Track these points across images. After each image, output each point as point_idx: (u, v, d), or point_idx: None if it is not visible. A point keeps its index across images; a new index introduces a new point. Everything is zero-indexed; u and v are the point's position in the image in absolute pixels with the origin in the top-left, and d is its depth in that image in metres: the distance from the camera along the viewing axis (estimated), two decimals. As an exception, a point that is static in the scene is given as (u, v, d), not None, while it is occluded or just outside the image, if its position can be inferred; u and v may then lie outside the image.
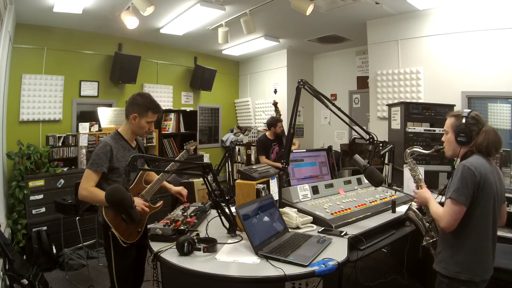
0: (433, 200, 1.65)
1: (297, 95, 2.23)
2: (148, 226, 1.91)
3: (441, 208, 1.56)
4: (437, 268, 1.59)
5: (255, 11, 3.99)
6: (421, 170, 2.74)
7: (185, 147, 2.35)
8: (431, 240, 1.77)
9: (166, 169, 2.11)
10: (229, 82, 7.05)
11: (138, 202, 1.93)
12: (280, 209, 2.05)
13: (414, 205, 1.93)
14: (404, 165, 1.93)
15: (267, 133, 4.34)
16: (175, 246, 1.62)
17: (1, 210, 3.29)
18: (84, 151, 4.21)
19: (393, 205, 2.33)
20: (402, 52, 4.18)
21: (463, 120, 1.57)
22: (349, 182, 2.73)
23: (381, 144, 3.51)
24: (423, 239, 1.81)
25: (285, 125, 4.84)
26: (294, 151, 2.78)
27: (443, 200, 1.68)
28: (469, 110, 1.59)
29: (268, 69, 6.49)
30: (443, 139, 1.72)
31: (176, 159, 2.20)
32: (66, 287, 3.13)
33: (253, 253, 1.59)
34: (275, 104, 5.21)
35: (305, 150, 2.90)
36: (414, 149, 1.90)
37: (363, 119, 5.29)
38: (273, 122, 4.28)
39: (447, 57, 3.78)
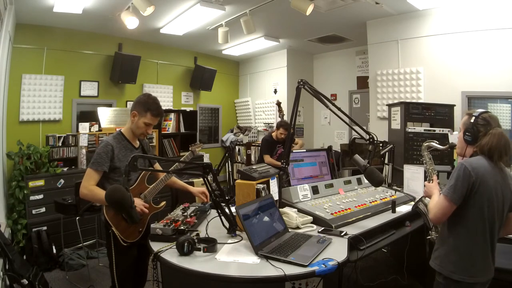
0: (436, 196, 1.66)
1: (297, 95, 2.23)
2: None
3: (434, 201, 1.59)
4: (432, 264, 1.60)
5: (255, 11, 3.99)
6: (421, 170, 2.76)
7: (190, 149, 2.35)
8: (436, 235, 1.78)
9: (170, 169, 2.11)
10: (229, 82, 7.05)
11: (138, 203, 1.93)
12: (280, 209, 2.05)
13: (427, 199, 1.94)
14: (421, 159, 1.99)
15: (273, 134, 4.29)
16: (175, 246, 1.62)
17: (1, 210, 3.29)
18: (84, 151, 4.21)
19: (393, 205, 2.33)
20: (402, 52, 4.18)
21: (471, 120, 1.57)
22: (349, 182, 2.73)
23: (381, 144, 3.52)
24: (427, 232, 1.83)
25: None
26: (294, 151, 2.77)
27: None
28: (482, 111, 1.58)
29: (268, 69, 6.49)
30: (457, 136, 1.73)
31: (181, 160, 2.19)
32: (66, 287, 3.13)
33: (253, 253, 1.59)
34: (278, 104, 5.21)
35: (305, 150, 2.90)
36: (431, 143, 1.91)
37: (363, 119, 5.29)
38: (277, 125, 4.23)
39: (447, 57, 3.78)
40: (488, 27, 3.46)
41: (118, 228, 1.89)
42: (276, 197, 2.13)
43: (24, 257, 3.39)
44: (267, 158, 4.12)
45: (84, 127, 4.33)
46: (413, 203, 2.43)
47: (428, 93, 3.94)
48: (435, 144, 1.89)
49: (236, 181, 2.03)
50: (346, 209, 2.22)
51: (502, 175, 1.53)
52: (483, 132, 1.54)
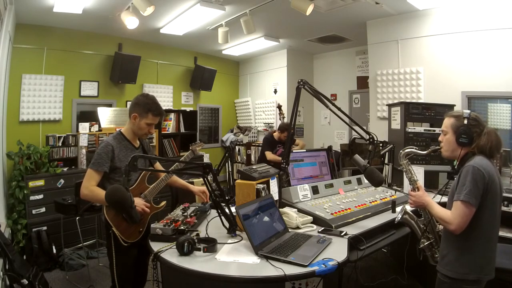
0: (434, 203, 1.61)
1: (297, 95, 2.23)
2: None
3: (447, 211, 1.53)
4: (443, 270, 1.56)
5: (255, 11, 3.99)
6: (421, 170, 2.75)
7: (190, 148, 2.34)
8: (427, 242, 1.76)
9: (170, 169, 2.10)
10: (229, 82, 7.05)
11: (139, 202, 1.93)
12: (280, 209, 2.05)
13: (408, 207, 1.90)
14: (399, 167, 1.90)
15: (275, 134, 4.38)
16: (175, 246, 1.62)
17: (1, 210, 3.29)
18: (84, 151, 4.21)
19: (393, 205, 2.33)
20: (402, 52, 4.18)
21: (465, 121, 1.55)
22: (349, 182, 2.73)
23: (381, 144, 3.52)
24: (419, 241, 1.80)
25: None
26: (295, 151, 2.77)
27: (443, 200, 1.66)
28: (469, 111, 1.57)
29: (268, 69, 6.48)
30: (440, 139, 1.69)
31: (181, 159, 2.19)
32: (66, 287, 3.13)
33: (253, 253, 1.59)
34: (279, 107, 5.23)
35: (305, 150, 2.90)
36: (410, 149, 1.84)
37: (363, 119, 5.28)
38: (281, 128, 4.29)
39: (447, 57, 3.78)
40: (488, 27, 3.46)
41: (119, 228, 1.89)
42: (276, 197, 2.13)
43: (24, 257, 3.38)
44: (269, 154, 4.19)
45: (84, 127, 4.33)
46: (407, 205, 2.42)
47: (428, 93, 3.94)
48: (415, 150, 1.82)
49: (236, 181, 2.03)
50: (346, 209, 2.22)
51: (497, 170, 1.56)
52: (478, 133, 1.54)
